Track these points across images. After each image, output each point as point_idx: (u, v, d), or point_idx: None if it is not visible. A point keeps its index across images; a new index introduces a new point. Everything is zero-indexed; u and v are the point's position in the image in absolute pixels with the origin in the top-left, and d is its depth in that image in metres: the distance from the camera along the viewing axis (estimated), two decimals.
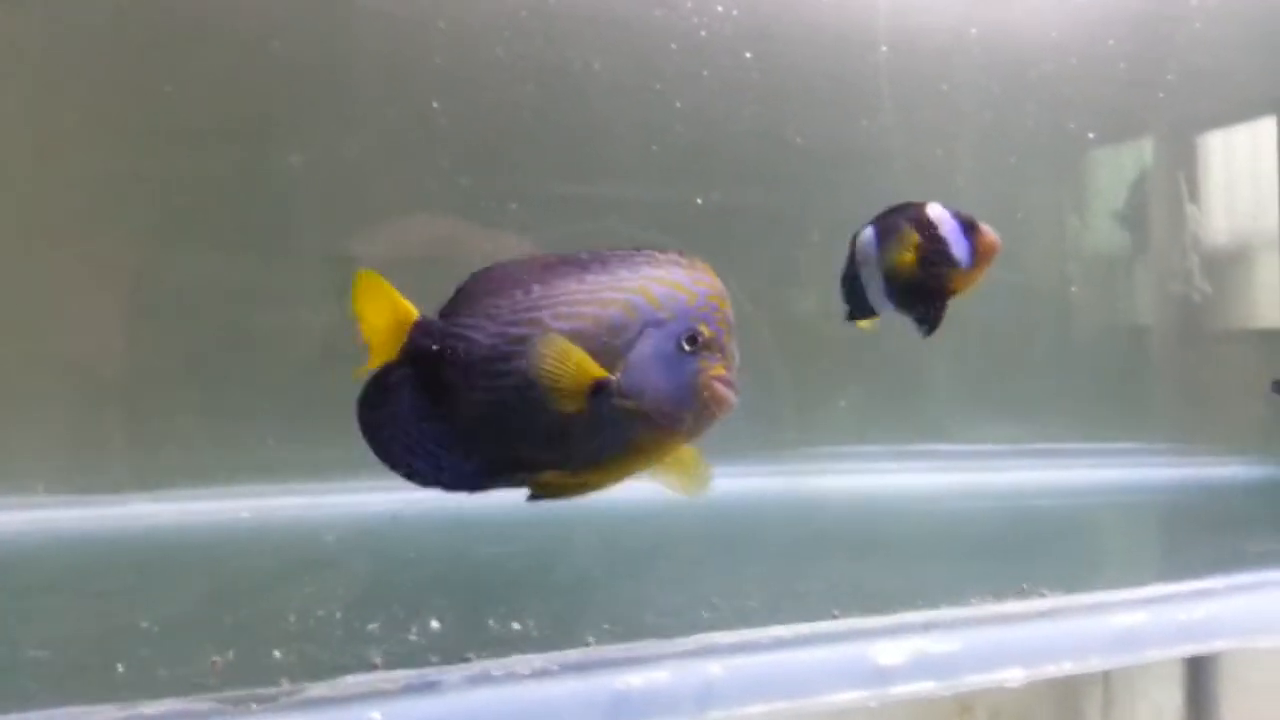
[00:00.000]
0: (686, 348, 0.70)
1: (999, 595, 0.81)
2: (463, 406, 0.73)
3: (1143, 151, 1.96)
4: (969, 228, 1.00)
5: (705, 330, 0.71)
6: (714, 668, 0.65)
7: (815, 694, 0.68)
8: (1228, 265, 2.10)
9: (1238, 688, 1.76)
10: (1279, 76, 1.97)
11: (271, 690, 0.53)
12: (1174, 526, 1.41)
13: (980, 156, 1.63)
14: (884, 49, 1.53)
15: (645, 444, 0.71)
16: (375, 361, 0.77)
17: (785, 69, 1.49)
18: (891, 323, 1.52)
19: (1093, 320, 1.94)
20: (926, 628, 0.74)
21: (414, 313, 0.77)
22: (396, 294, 0.77)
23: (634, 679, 0.62)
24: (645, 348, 0.70)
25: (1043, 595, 0.82)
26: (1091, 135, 1.77)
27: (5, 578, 0.90)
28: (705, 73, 1.44)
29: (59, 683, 0.58)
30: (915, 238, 0.99)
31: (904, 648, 0.72)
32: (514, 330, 0.73)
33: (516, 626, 0.70)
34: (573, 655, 0.61)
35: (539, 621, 0.71)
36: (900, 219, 1.01)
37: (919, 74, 1.57)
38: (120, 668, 0.59)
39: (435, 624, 0.70)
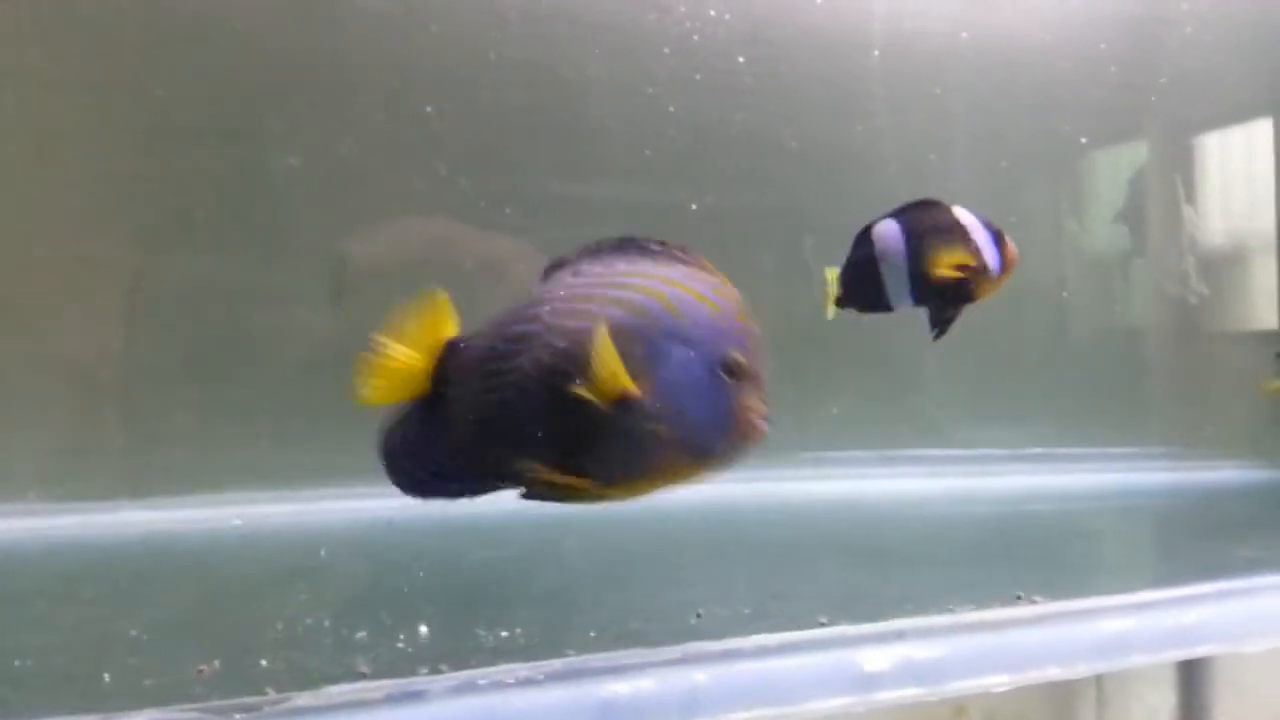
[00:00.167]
0: (724, 377, 0.67)
1: (988, 601, 0.81)
2: (463, 410, 0.71)
3: (1137, 154, 1.96)
4: (998, 236, 1.02)
5: (741, 358, 0.67)
6: (699, 676, 0.65)
7: (801, 701, 0.68)
8: (1224, 267, 2.10)
9: (1231, 690, 1.77)
10: (1272, 79, 1.97)
11: (256, 700, 0.53)
12: (1167, 531, 1.41)
13: (973, 160, 1.63)
14: (876, 53, 1.54)
15: (671, 470, 0.68)
16: (401, 394, 0.73)
17: (778, 73, 1.49)
18: (887, 326, 1.52)
19: (1088, 323, 1.94)
20: (913, 634, 0.74)
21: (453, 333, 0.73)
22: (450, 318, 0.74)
23: (619, 687, 0.62)
24: (676, 368, 0.66)
25: (1033, 602, 0.82)
26: (1084, 140, 1.77)
27: None
28: (698, 77, 1.45)
29: (45, 692, 0.58)
30: (959, 241, 1.01)
31: (890, 654, 0.72)
32: (515, 328, 0.70)
33: (504, 634, 0.70)
34: (558, 664, 0.61)
35: (526, 629, 0.71)
36: (930, 218, 1.02)
37: (912, 78, 1.57)
38: (107, 677, 0.59)
39: (424, 631, 0.70)
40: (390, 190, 1.38)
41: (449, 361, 0.73)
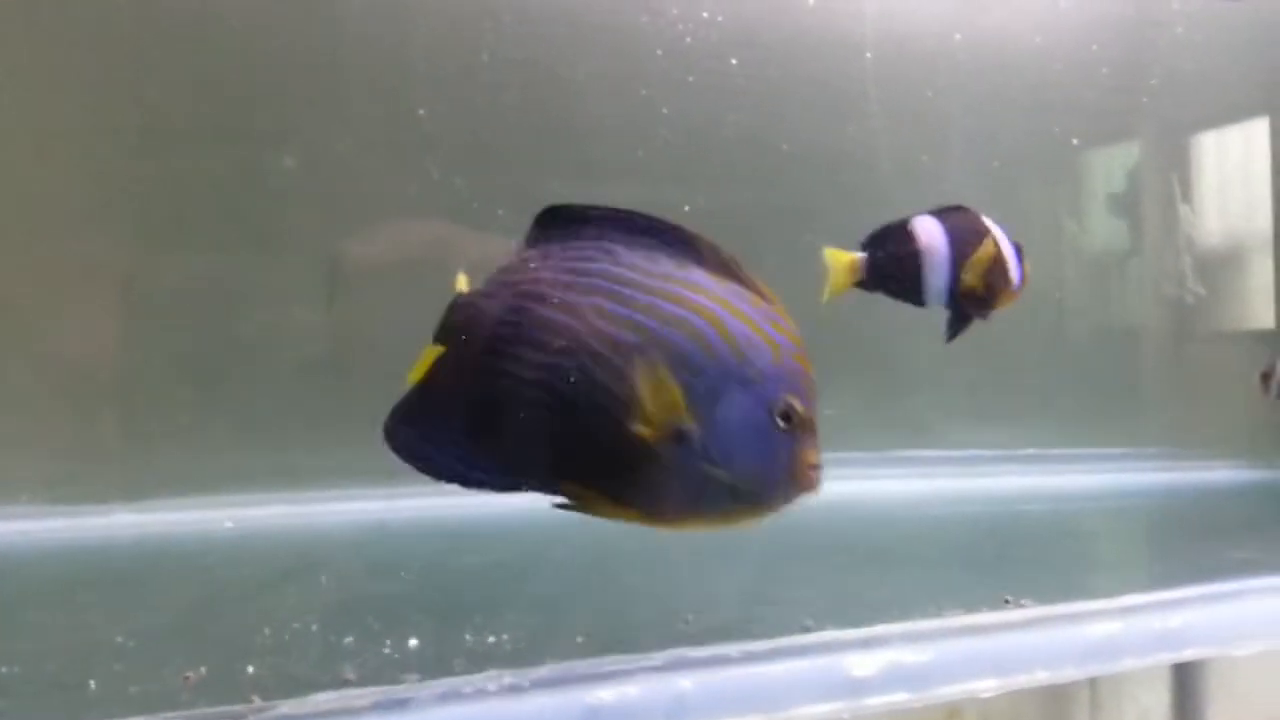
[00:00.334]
0: (781, 424, 0.64)
1: (978, 604, 0.81)
2: (484, 392, 0.67)
3: (1132, 154, 1.97)
4: (1019, 251, 1.05)
5: (799, 407, 0.65)
6: (685, 682, 0.65)
7: (787, 707, 0.68)
8: (1221, 267, 2.10)
9: (1225, 692, 1.77)
10: (1266, 79, 1.97)
11: (240, 708, 0.53)
12: (1159, 533, 1.41)
13: (966, 161, 1.63)
14: (869, 55, 1.54)
15: (719, 513, 0.66)
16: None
17: (771, 75, 1.49)
18: (880, 327, 1.53)
19: (1084, 323, 1.94)
20: (900, 639, 0.74)
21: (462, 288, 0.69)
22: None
23: (605, 694, 0.62)
24: (734, 410, 0.64)
25: (1021, 606, 0.82)
26: (1075, 141, 1.77)
27: None
28: (691, 78, 1.45)
29: (31, 700, 0.58)
30: (992, 250, 1.03)
31: (877, 659, 0.72)
32: (546, 313, 0.65)
33: (492, 640, 0.70)
34: (543, 670, 0.61)
35: (514, 635, 0.71)
36: (967, 223, 1.05)
37: (904, 79, 1.57)
38: (93, 684, 0.60)
39: (411, 637, 0.70)
40: (384, 191, 1.38)
41: (455, 317, 0.69)
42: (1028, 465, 1.73)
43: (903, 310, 1.41)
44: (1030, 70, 1.66)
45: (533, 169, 1.41)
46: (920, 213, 1.07)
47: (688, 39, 1.44)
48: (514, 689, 0.60)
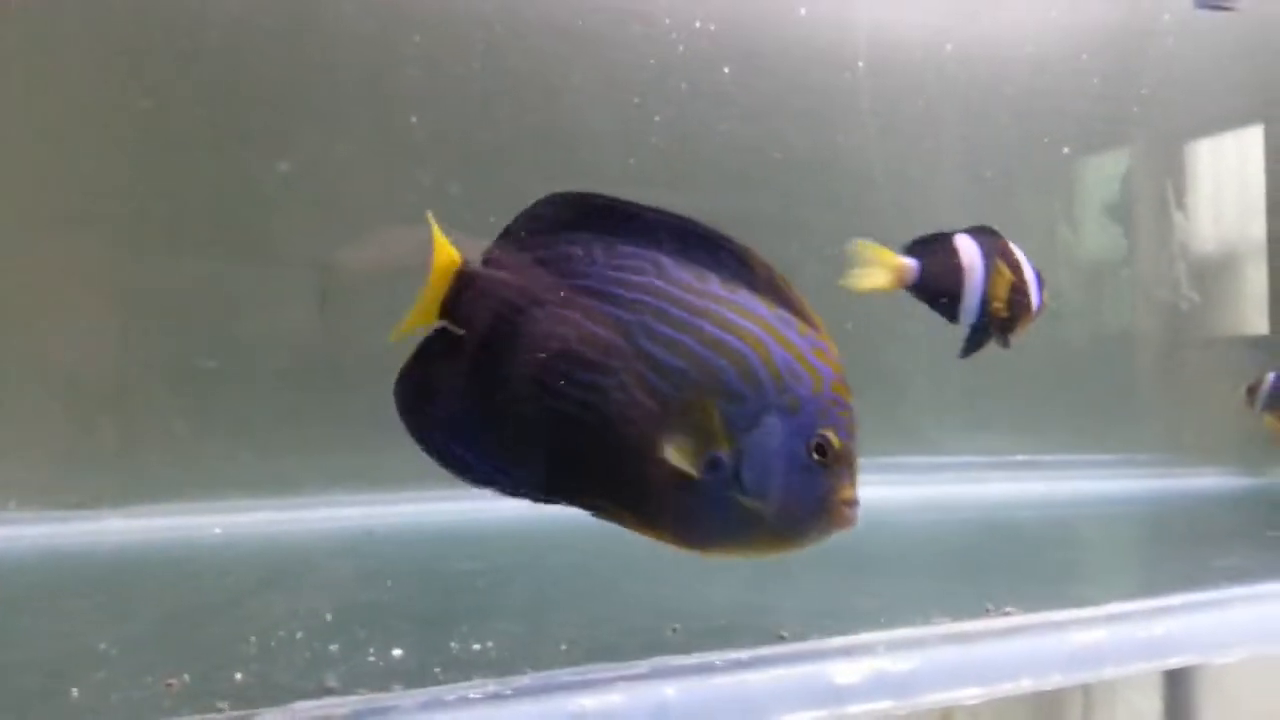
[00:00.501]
0: (816, 458, 0.63)
1: (964, 612, 0.81)
2: (504, 390, 0.65)
3: (1125, 163, 1.97)
4: (1039, 277, 1.09)
5: (836, 441, 0.63)
6: (668, 690, 0.65)
7: (770, 715, 0.68)
8: (1215, 274, 2.11)
9: (1217, 695, 1.77)
10: (1258, 89, 1.98)
11: (220, 717, 0.53)
12: (1147, 540, 1.42)
13: (957, 169, 1.64)
14: (861, 64, 1.54)
15: (752, 543, 0.65)
16: (411, 323, 0.67)
17: (762, 84, 1.50)
18: (874, 335, 1.53)
19: (1077, 330, 1.95)
20: (884, 647, 0.74)
21: (456, 257, 0.66)
22: (442, 236, 0.67)
23: (587, 702, 0.62)
24: (771, 442, 0.63)
25: (1005, 613, 0.83)
26: (1066, 150, 1.78)
27: None
28: (683, 87, 1.45)
29: (12, 710, 0.58)
30: (1019, 273, 1.07)
31: (861, 667, 0.73)
32: (590, 327, 0.63)
33: (476, 647, 0.70)
34: (526, 679, 0.61)
35: (499, 642, 0.71)
36: (997, 246, 1.08)
37: (895, 89, 1.58)
38: (75, 692, 0.60)
39: (396, 645, 0.70)
40: (375, 199, 1.38)
41: (465, 296, 0.66)
42: (1020, 471, 1.73)
43: (895, 316, 1.42)
44: (1021, 80, 1.67)
45: (525, 176, 1.41)
46: (957, 230, 1.09)
47: (680, 48, 1.45)
48: (496, 697, 0.60)
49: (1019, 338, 1.10)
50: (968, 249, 1.07)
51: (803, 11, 1.54)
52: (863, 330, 1.49)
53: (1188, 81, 1.87)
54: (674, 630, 0.77)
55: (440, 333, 0.68)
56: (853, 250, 1.05)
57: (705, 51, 1.46)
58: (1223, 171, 2.10)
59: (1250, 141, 2.09)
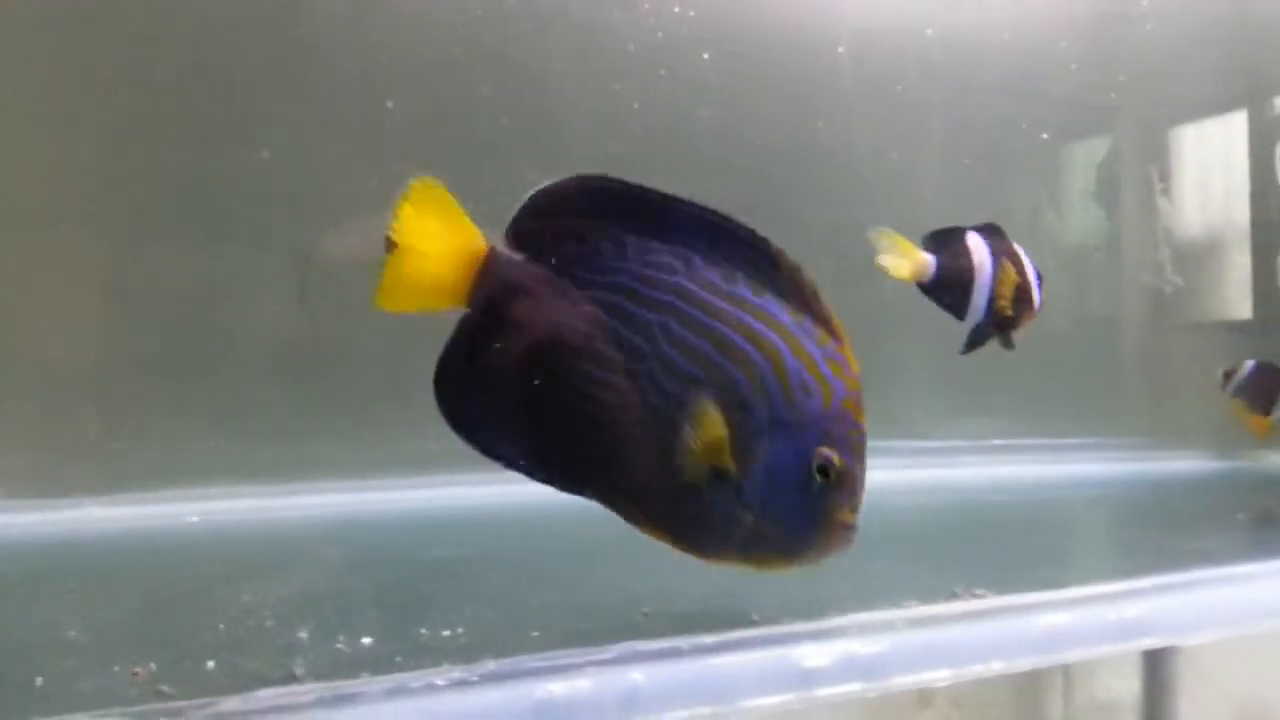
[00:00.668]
0: (817, 478, 0.62)
1: (935, 596, 0.82)
2: (535, 394, 0.65)
3: (1105, 148, 1.98)
4: (1039, 275, 1.10)
5: (839, 462, 0.62)
6: (636, 674, 0.66)
7: (739, 698, 0.69)
8: (1199, 258, 2.12)
9: (1194, 675, 1.80)
10: (1238, 74, 1.98)
11: (181, 704, 0.53)
12: (1121, 523, 1.43)
13: (937, 154, 1.64)
14: (841, 49, 1.54)
15: (751, 557, 0.66)
16: (431, 304, 0.65)
17: (743, 69, 1.50)
18: (855, 318, 1.53)
19: (1063, 315, 1.95)
20: (853, 630, 0.75)
21: (481, 240, 0.65)
22: (462, 212, 0.65)
23: (555, 687, 0.62)
24: (774, 455, 0.62)
25: (974, 596, 0.83)
26: (1045, 135, 1.78)
27: None
28: (663, 73, 1.45)
29: None
30: (1022, 272, 1.08)
31: (830, 650, 0.73)
32: (620, 328, 0.62)
33: (446, 634, 0.70)
34: (492, 665, 0.61)
35: (470, 629, 0.72)
36: (1003, 246, 1.09)
37: (876, 74, 1.58)
38: (39, 680, 0.60)
39: (365, 632, 0.71)
40: (354, 187, 1.37)
41: (496, 283, 0.65)
42: (1001, 455, 1.74)
43: (876, 300, 1.42)
44: (1000, 65, 1.67)
45: (505, 163, 1.41)
46: (967, 227, 1.10)
47: (660, 34, 1.44)
48: (462, 684, 0.60)
49: (1019, 336, 1.11)
50: (978, 248, 1.08)
51: None
52: (843, 314, 1.49)
53: (1167, 67, 1.87)
54: (645, 614, 0.77)
55: (470, 317, 0.67)
56: (875, 238, 1.06)
57: (685, 37, 1.45)
58: (1207, 156, 2.11)
59: (1235, 126, 2.10)
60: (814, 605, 0.77)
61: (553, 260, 0.66)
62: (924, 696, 1.67)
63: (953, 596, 0.81)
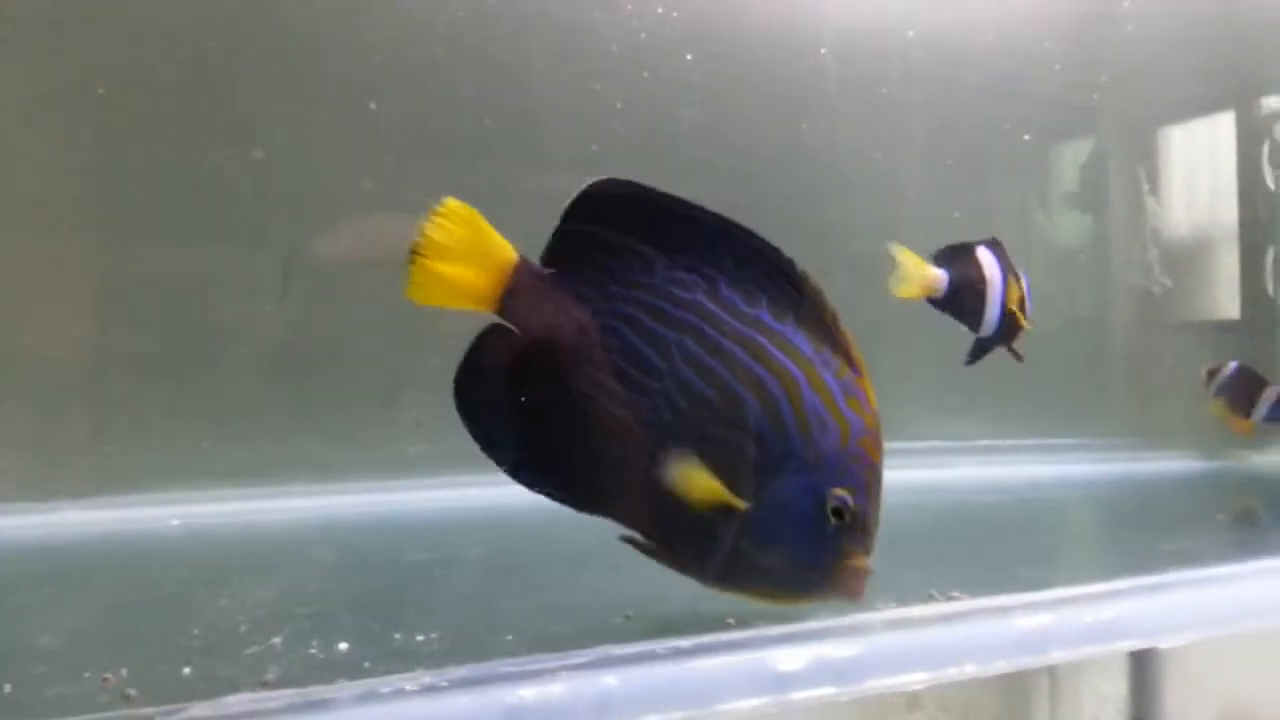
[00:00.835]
0: (831, 520, 0.61)
1: (911, 598, 0.82)
2: (552, 411, 0.65)
3: (1093, 148, 1.98)
4: (1030, 287, 1.14)
5: (853, 504, 0.61)
6: (610, 679, 0.65)
7: (713, 703, 0.68)
8: (1187, 258, 2.13)
9: (1180, 676, 1.80)
10: (1223, 73, 1.99)
11: (150, 710, 0.53)
12: (1101, 524, 1.43)
13: (920, 156, 1.64)
14: (824, 50, 1.54)
15: (758, 592, 0.65)
16: (463, 303, 0.64)
17: (725, 70, 1.50)
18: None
19: (1050, 316, 1.96)
20: (828, 633, 0.75)
21: (512, 251, 0.65)
22: (493, 230, 0.65)
23: (527, 692, 0.62)
24: (786, 492, 0.61)
25: (950, 598, 0.83)
26: (1026, 136, 1.79)
27: None
28: (646, 74, 1.45)
29: None
30: (1021, 284, 1.12)
31: (804, 654, 0.73)
32: (644, 345, 0.62)
33: (420, 639, 0.70)
34: (463, 670, 0.61)
35: (444, 634, 0.72)
36: (1005, 260, 1.12)
37: (859, 75, 1.58)
38: (8, 688, 0.59)
39: (341, 637, 0.70)
40: (346, 188, 1.37)
41: (523, 295, 0.65)
42: (984, 456, 1.75)
43: (862, 303, 1.41)
44: (983, 66, 1.68)
45: (488, 164, 1.41)
46: (975, 243, 1.12)
47: (642, 34, 1.44)
48: (432, 689, 0.60)
49: (1019, 346, 1.13)
50: (989, 263, 1.10)
51: None
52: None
53: (1151, 67, 1.88)
54: (626, 618, 0.77)
55: (494, 327, 0.67)
56: (889, 254, 1.07)
57: (667, 38, 1.45)
58: (1194, 157, 2.12)
59: (1222, 127, 2.11)
60: (792, 608, 0.77)
61: (583, 270, 0.66)
62: (912, 699, 1.68)
63: (929, 599, 0.81)
